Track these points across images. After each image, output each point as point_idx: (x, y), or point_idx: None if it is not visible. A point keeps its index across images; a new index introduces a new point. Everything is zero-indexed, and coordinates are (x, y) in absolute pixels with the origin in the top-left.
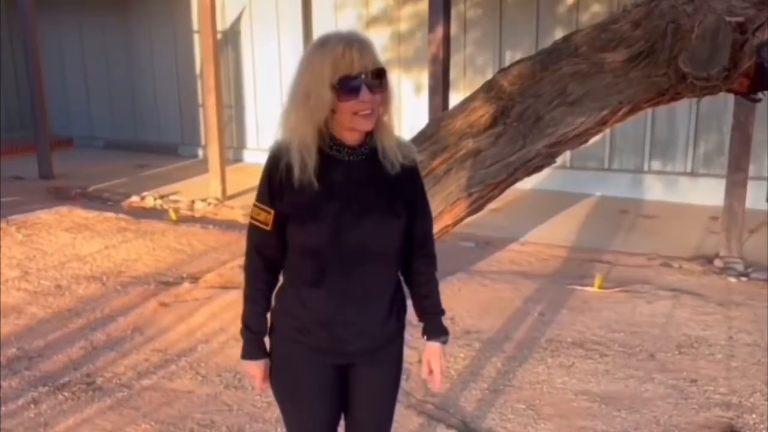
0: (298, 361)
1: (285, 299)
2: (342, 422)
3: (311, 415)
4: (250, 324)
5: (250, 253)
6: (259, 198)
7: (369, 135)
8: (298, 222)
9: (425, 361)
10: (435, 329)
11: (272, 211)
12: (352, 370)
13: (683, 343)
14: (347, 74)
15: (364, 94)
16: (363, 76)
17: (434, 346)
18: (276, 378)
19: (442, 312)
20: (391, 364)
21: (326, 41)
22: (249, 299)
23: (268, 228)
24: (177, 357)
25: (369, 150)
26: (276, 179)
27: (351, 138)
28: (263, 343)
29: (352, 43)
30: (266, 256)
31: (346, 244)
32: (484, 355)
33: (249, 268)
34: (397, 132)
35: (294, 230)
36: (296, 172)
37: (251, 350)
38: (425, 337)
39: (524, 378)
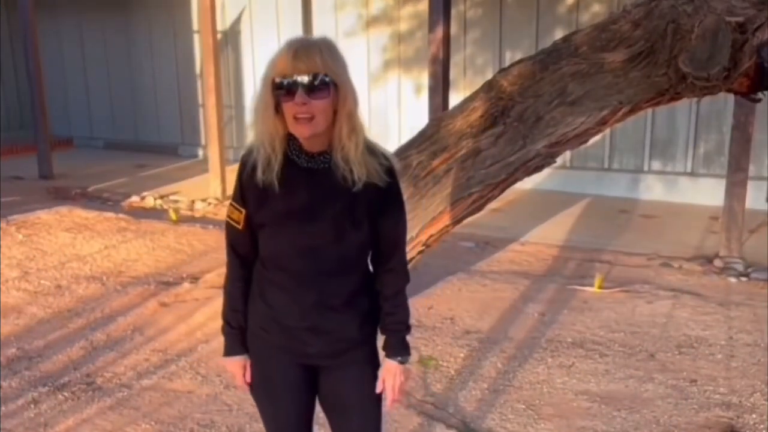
0: (265, 356)
1: (253, 296)
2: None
3: (280, 410)
4: (229, 320)
5: (227, 251)
6: (233, 197)
7: (333, 144)
8: (260, 224)
9: (380, 377)
10: (394, 346)
11: (243, 211)
12: (322, 373)
13: (683, 343)
14: (282, 74)
15: (300, 96)
16: (297, 78)
17: (391, 363)
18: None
19: (406, 329)
20: (361, 366)
21: (282, 45)
22: (227, 295)
23: (240, 227)
24: (177, 357)
25: (330, 158)
26: (245, 179)
27: (308, 145)
28: (242, 339)
29: (294, 45)
30: (240, 253)
31: (303, 252)
32: (484, 355)
33: (227, 266)
34: (395, 131)
35: (258, 232)
36: (259, 173)
37: (230, 346)
38: (384, 353)
39: (524, 378)
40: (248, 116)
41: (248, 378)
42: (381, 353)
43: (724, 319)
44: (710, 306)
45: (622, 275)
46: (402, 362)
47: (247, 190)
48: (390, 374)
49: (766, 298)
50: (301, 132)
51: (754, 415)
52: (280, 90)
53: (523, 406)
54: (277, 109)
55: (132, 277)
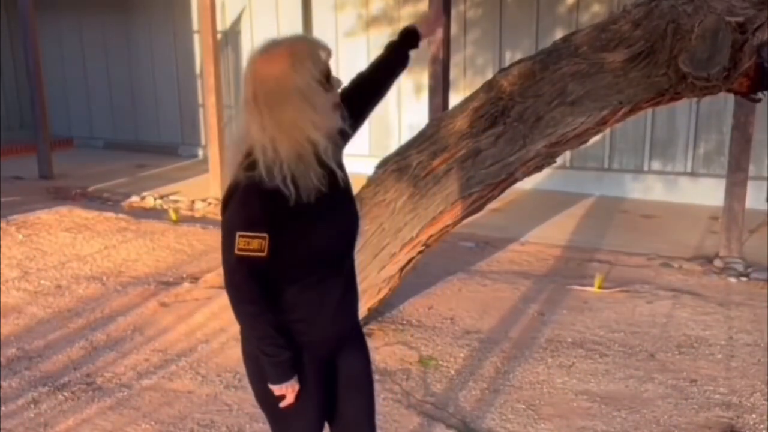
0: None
1: (283, 309)
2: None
3: (309, 415)
4: (283, 344)
5: (246, 284)
6: (247, 226)
7: None
8: (302, 232)
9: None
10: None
11: (266, 236)
12: (342, 354)
13: (683, 343)
14: (327, 69)
15: (336, 81)
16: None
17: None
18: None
19: None
20: (363, 341)
21: (305, 46)
22: (267, 324)
23: (264, 254)
24: (177, 357)
25: None
26: (266, 201)
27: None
28: (293, 359)
29: (317, 42)
30: (262, 279)
31: (341, 235)
32: (484, 354)
33: (250, 299)
34: (395, 132)
35: (292, 247)
36: (289, 189)
37: (288, 370)
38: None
39: (524, 378)
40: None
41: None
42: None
43: (724, 319)
44: (710, 306)
45: (622, 275)
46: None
47: (268, 212)
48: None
49: (766, 298)
50: (340, 114)
51: (754, 415)
52: (330, 82)
53: (523, 406)
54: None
55: (132, 277)
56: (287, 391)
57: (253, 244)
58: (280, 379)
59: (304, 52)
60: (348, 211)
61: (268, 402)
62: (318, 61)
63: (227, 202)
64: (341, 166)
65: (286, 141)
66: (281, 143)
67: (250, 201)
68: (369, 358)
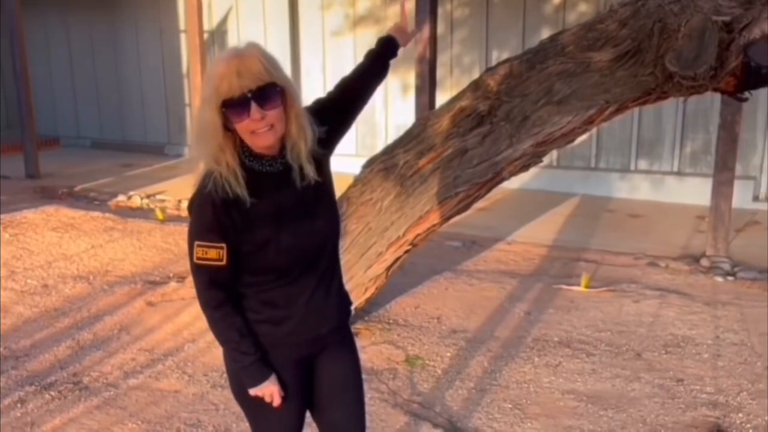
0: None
1: (247, 309)
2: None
3: (284, 416)
4: (246, 349)
5: (209, 292)
6: (204, 236)
7: (285, 145)
8: (256, 245)
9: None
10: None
11: (224, 245)
12: (318, 362)
13: (670, 343)
14: (229, 97)
15: (255, 111)
16: (249, 95)
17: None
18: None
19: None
20: (351, 341)
21: (213, 66)
22: (230, 329)
23: (223, 263)
24: (164, 356)
25: (285, 159)
26: (221, 211)
27: (268, 150)
28: (265, 358)
29: (233, 62)
30: (224, 287)
31: (302, 249)
32: (471, 354)
33: (213, 305)
34: (381, 131)
35: (254, 253)
36: (236, 196)
37: (260, 372)
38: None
39: (511, 377)
40: (193, 145)
41: (282, 392)
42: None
43: (710, 319)
44: (697, 305)
45: (608, 274)
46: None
47: (227, 221)
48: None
49: (752, 297)
50: (264, 143)
51: (740, 415)
52: (232, 110)
53: (510, 406)
54: (226, 127)
55: (119, 277)
56: (264, 393)
57: (210, 253)
58: (252, 382)
59: (214, 69)
60: (317, 217)
61: (244, 401)
62: (212, 80)
63: (188, 210)
64: (322, 173)
65: (203, 146)
66: (200, 147)
67: (203, 211)
68: (357, 361)
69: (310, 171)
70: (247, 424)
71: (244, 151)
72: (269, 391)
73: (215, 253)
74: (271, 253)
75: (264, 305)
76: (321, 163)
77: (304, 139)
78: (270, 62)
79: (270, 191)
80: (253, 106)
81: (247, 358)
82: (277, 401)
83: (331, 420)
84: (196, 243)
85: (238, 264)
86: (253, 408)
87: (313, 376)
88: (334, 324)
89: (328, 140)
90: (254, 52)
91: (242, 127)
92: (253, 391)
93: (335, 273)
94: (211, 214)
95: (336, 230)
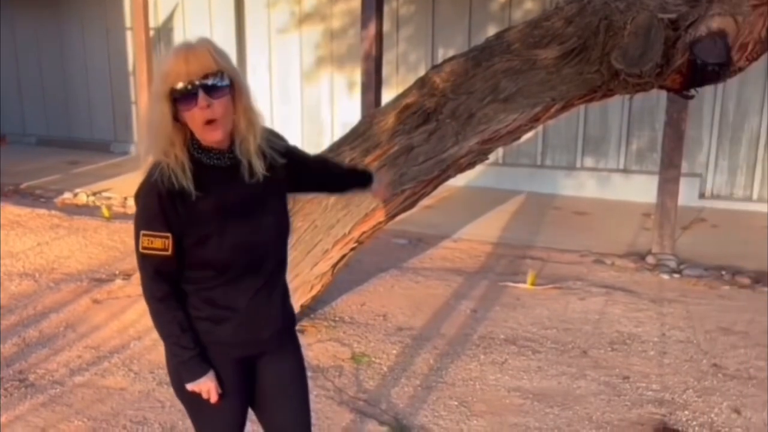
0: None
1: (189, 305)
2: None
3: (224, 414)
4: (185, 344)
5: (154, 282)
6: (149, 225)
7: (233, 139)
8: (198, 238)
9: (377, 185)
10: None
11: (169, 235)
12: (261, 364)
13: (616, 340)
14: (177, 84)
15: (202, 99)
16: (196, 82)
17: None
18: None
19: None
20: (296, 347)
21: (165, 55)
22: (172, 323)
23: (169, 253)
24: (110, 354)
25: (234, 153)
26: (166, 201)
27: (217, 144)
28: (204, 354)
29: (180, 50)
30: (169, 278)
31: (244, 248)
32: (417, 351)
33: (157, 295)
34: (327, 129)
35: (195, 246)
36: (182, 188)
37: (198, 367)
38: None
39: (457, 375)
40: (143, 135)
41: (219, 389)
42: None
43: (656, 316)
44: (643, 303)
45: (554, 272)
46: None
47: (171, 211)
48: (378, 181)
49: (698, 294)
50: (211, 134)
51: (686, 412)
52: (180, 98)
53: (456, 403)
54: (175, 118)
55: (65, 274)
56: (201, 389)
57: (156, 243)
58: (189, 377)
59: (163, 60)
60: (263, 216)
61: (184, 397)
62: (161, 70)
63: (135, 199)
64: (275, 173)
65: (153, 138)
66: (150, 139)
67: (149, 200)
68: (302, 364)
69: (259, 167)
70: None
71: (193, 144)
72: (206, 387)
73: (160, 243)
74: (213, 248)
75: (204, 303)
76: (274, 166)
77: (253, 134)
78: (220, 54)
79: (217, 185)
80: (201, 93)
81: (186, 353)
82: (213, 398)
83: (275, 423)
84: (142, 232)
85: (183, 257)
86: (193, 404)
87: (256, 377)
88: (276, 329)
89: (291, 178)
90: (204, 44)
91: (190, 116)
92: (190, 386)
93: (280, 279)
94: (156, 204)
95: (283, 233)
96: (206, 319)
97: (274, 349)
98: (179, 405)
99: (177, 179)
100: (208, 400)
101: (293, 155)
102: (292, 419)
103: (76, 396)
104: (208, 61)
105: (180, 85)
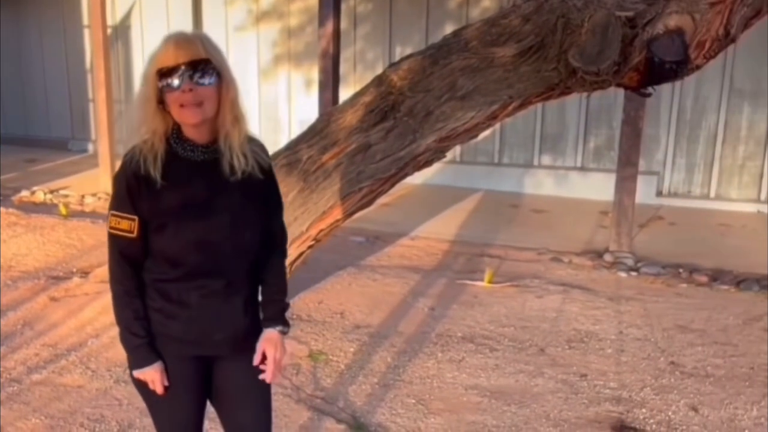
0: (165, 354)
1: (146, 295)
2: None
3: (178, 407)
4: (136, 331)
5: (117, 263)
6: (118, 206)
7: (218, 133)
8: (156, 225)
9: (259, 348)
10: (275, 316)
11: (135, 218)
12: (218, 365)
13: (573, 338)
14: (166, 65)
15: (184, 84)
16: (182, 67)
17: (271, 332)
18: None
19: (285, 303)
20: (255, 354)
21: (161, 42)
22: (127, 308)
23: (134, 235)
24: (67, 352)
25: (219, 148)
26: (133, 184)
27: (197, 136)
28: (153, 345)
29: (172, 37)
30: (132, 261)
31: (203, 245)
32: (374, 349)
33: (120, 278)
34: (285, 126)
35: (154, 235)
36: (147, 174)
37: (146, 356)
38: (264, 324)
39: (414, 372)
40: (129, 118)
41: (166, 381)
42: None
43: (614, 314)
44: (600, 300)
45: (512, 270)
46: (282, 332)
47: (136, 195)
48: (271, 344)
49: (655, 292)
50: (189, 118)
51: (644, 410)
52: (164, 80)
53: (413, 401)
54: (160, 103)
55: (22, 272)
56: (146, 377)
57: (122, 224)
58: (136, 365)
59: (157, 47)
60: (230, 216)
61: (138, 388)
62: (153, 55)
63: (112, 180)
64: (248, 181)
65: (136, 123)
66: (134, 124)
67: (119, 182)
68: (258, 372)
69: (240, 164)
70: (150, 420)
71: (174, 135)
72: (150, 376)
73: (127, 224)
74: (168, 238)
75: (159, 295)
76: (253, 176)
77: (238, 130)
78: (211, 46)
79: (185, 178)
80: (186, 77)
81: (136, 340)
82: (158, 389)
83: (235, 423)
84: (111, 212)
85: (146, 244)
86: (146, 396)
87: (214, 377)
88: (231, 333)
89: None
90: (197, 34)
91: (172, 98)
92: (136, 374)
93: (244, 288)
94: (125, 186)
95: (248, 243)
96: (159, 311)
97: (232, 354)
98: (137, 403)
99: (145, 165)
100: (161, 394)
101: (270, 187)
102: (251, 420)
103: (34, 394)
104: (197, 49)
105: (167, 66)
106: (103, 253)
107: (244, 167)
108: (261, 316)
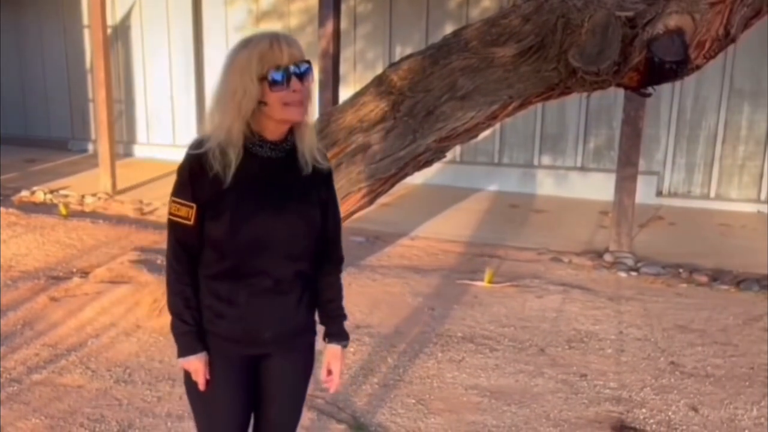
0: (213, 351)
1: (200, 292)
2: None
3: (218, 409)
4: (185, 318)
5: (173, 249)
6: (179, 193)
7: (290, 133)
8: (214, 216)
9: (326, 363)
10: (337, 332)
11: (194, 206)
12: (265, 364)
13: (573, 338)
14: (277, 64)
15: (294, 83)
16: (292, 66)
17: (335, 348)
18: (186, 374)
19: (344, 316)
20: (303, 354)
21: (250, 40)
22: (178, 295)
23: (191, 223)
24: (67, 352)
25: (289, 147)
26: (197, 173)
27: (274, 134)
28: (200, 336)
29: (278, 36)
30: (189, 249)
31: (263, 241)
32: (375, 350)
33: (174, 264)
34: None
35: (210, 224)
36: (216, 167)
37: (191, 344)
38: (326, 339)
39: (414, 373)
40: (208, 116)
41: (208, 375)
42: (319, 341)
43: (614, 314)
44: (600, 300)
45: (512, 270)
46: (344, 347)
47: (198, 184)
48: (336, 359)
49: (655, 292)
50: (294, 115)
51: (644, 410)
52: (276, 80)
53: (414, 401)
54: (258, 100)
55: (22, 272)
56: (189, 367)
57: (182, 211)
58: (181, 352)
59: (252, 45)
60: (289, 215)
61: (187, 387)
62: (254, 52)
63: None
64: (312, 182)
65: (218, 115)
66: (215, 115)
67: (183, 170)
68: (307, 370)
69: (308, 162)
70: (151, 420)
71: (254, 134)
72: (194, 366)
73: (185, 212)
74: (223, 228)
75: (210, 294)
76: (316, 179)
77: (311, 130)
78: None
79: (251, 176)
80: (294, 78)
81: (183, 327)
82: (200, 380)
83: (264, 415)
84: (172, 198)
85: (203, 234)
86: (191, 392)
87: (260, 374)
88: (280, 332)
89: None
90: (291, 36)
91: (278, 96)
92: (180, 362)
93: (297, 288)
94: (187, 176)
95: (307, 242)
96: (209, 308)
97: (280, 352)
98: (137, 403)
99: (217, 164)
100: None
101: (330, 192)
102: (287, 419)
103: (34, 394)
104: (300, 50)
105: (280, 64)
106: (103, 254)
107: (306, 168)
108: (323, 329)
